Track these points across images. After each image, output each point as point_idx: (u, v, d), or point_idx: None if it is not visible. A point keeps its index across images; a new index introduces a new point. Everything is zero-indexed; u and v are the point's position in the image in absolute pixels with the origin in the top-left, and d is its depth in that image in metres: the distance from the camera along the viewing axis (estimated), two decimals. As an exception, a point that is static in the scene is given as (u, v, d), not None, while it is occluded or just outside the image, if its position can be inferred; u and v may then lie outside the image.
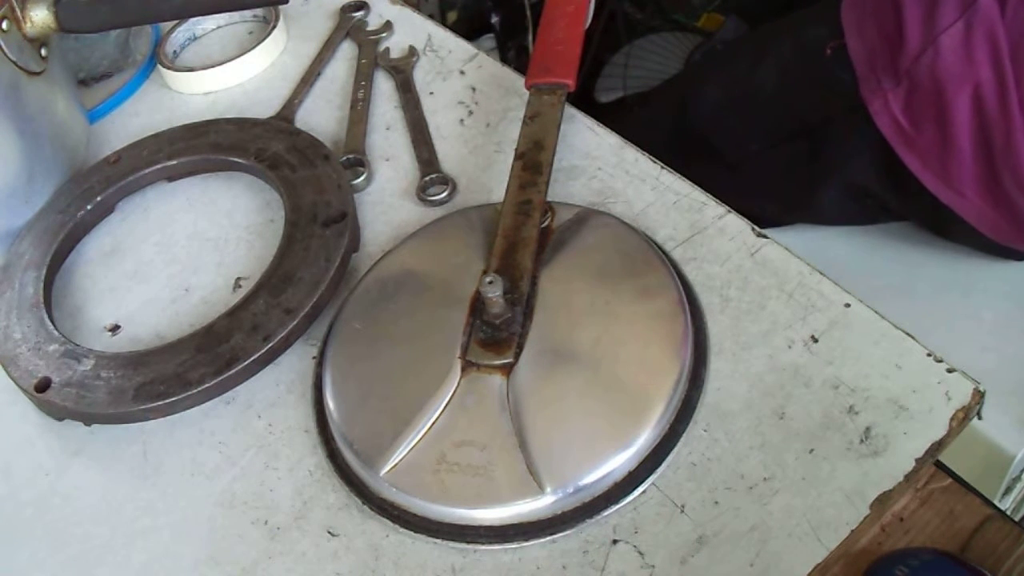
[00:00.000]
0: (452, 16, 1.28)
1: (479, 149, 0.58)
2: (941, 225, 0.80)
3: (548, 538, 0.40)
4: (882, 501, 0.39)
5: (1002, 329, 0.77)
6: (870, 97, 0.75)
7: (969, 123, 0.70)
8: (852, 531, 0.38)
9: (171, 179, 0.61)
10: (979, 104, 0.69)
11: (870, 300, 0.45)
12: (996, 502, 0.54)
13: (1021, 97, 0.67)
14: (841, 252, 0.85)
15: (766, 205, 0.84)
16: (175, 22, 0.71)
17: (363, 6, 0.70)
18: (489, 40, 1.32)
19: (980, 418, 0.41)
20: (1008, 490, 0.75)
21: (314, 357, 0.49)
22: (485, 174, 0.56)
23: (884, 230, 0.85)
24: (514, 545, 0.40)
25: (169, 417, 0.47)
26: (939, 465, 0.42)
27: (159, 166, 0.60)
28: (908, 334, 0.43)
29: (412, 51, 0.66)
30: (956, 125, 0.70)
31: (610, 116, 0.61)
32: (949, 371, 0.42)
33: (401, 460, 0.42)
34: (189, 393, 0.46)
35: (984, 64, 0.68)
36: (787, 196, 0.86)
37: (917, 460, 0.39)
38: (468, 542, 0.41)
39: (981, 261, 0.80)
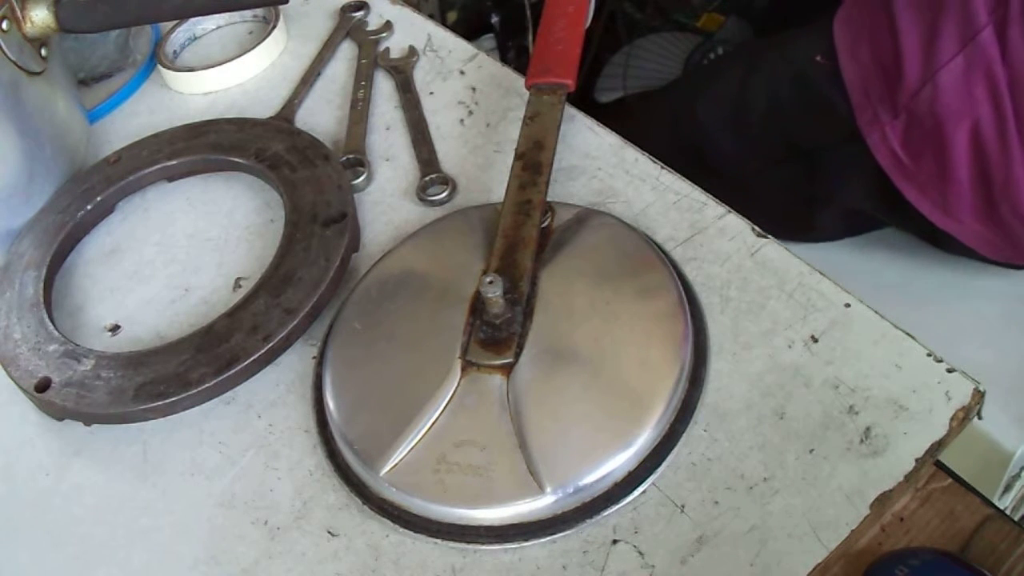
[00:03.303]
0: (452, 16, 1.27)
1: (479, 149, 0.58)
2: (940, 241, 0.81)
3: (548, 538, 0.40)
4: (882, 501, 0.39)
5: (1001, 325, 0.77)
6: (867, 129, 0.74)
7: (968, 157, 0.70)
8: (852, 531, 0.38)
9: (171, 179, 0.61)
10: (978, 139, 0.69)
11: (869, 301, 0.45)
12: (995, 500, 0.54)
13: (1021, 132, 0.67)
14: (839, 255, 0.85)
15: (764, 225, 0.83)
16: (175, 22, 0.71)
17: (363, 6, 0.70)
18: (489, 40, 1.32)
19: (980, 418, 0.41)
20: (1008, 488, 0.75)
21: (314, 357, 0.49)
22: (485, 174, 0.56)
23: (882, 235, 0.85)
24: (514, 545, 0.40)
25: (169, 417, 0.47)
26: (939, 465, 0.42)
27: (159, 166, 0.60)
28: (908, 334, 0.43)
29: (412, 51, 0.66)
30: (955, 159, 0.70)
31: (610, 116, 0.61)
32: (949, 371, 0.42)
33: (401, 460, 0.42)
34: (189, 393, 0.46)
35: (983, 100, 0.68)
36: (786, 217, 0.86)
37: (917, 460, 0.39)
38: (468, 542, 0.41)
39: (980, 263, 0.81)
